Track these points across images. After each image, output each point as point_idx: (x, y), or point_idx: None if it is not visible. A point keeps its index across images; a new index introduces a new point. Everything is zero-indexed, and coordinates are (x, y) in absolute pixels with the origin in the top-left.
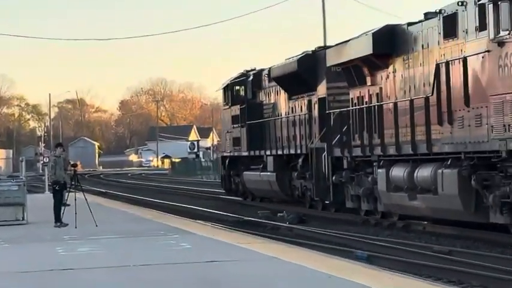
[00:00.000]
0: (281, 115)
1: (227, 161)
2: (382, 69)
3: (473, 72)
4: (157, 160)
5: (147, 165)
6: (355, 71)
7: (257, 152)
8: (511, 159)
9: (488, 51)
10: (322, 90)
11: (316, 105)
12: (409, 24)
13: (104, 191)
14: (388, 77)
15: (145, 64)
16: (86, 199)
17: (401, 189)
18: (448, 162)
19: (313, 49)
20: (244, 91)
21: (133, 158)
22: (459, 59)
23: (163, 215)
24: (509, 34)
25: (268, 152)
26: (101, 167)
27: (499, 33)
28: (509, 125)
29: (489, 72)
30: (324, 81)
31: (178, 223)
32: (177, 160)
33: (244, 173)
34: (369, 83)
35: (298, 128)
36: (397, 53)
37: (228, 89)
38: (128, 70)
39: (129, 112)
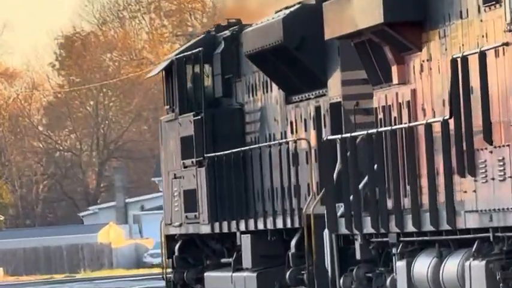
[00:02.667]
0: (271, 138)
1: (177, 247)
2: (414, 51)
3: (491, 78)
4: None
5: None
6: (374, 53)
7: (226, 226)
8: None
9: (506, 43)
10: (335, 86)
11: (328, 119)
12: None
13: None
14: (422, 68)
15: None
16: None
17: None
18: (473, 248)
19: None
20: (204, 78)
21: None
22: (482, 51)
23: None
24: None
25: (243, 227)
26: (0, 271)
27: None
28: None
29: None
30: (339, 68)
31: None
32: None
33: (206, 274)
34: (395, 80)
35: (295, 170)
36: (431, 23)
37: (172, 72)
38: None
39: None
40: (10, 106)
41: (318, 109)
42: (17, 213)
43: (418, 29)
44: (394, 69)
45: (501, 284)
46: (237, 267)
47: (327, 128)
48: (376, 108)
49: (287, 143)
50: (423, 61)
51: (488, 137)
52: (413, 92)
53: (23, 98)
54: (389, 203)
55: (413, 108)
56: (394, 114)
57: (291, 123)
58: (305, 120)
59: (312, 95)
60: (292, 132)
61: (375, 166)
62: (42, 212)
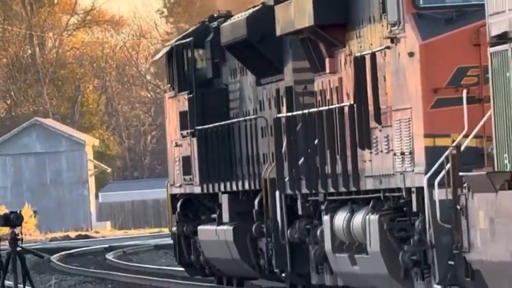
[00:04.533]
0: (246, 114)
1: (179, 205)
2: (340, 48)
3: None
4: None
5: None
6: (313, 47)
7: (211, 187)
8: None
9: (388, 47)
10: (288, 73)
11: (284, 99)
12: None
13: None
14: (346, 61)
15: None
16: None
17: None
18: (370, 205)
19: None
20: (196, 62)
21: None
22: (373, 52)
23: None
24: (398, 28)
25: (223, 188)
26: (108, 225)
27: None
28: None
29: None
30: (291, 58)
31: None
32: None
33: (199, 228)
34: (327, 70)
35: (262, 141)
36: (352, 25)
37: (172, 56)
38: None
39: None
40: (117, 55)
41: (277, 91)
42: (125, 165)
43: (342, 30)
44: (327, 61)
45: (388, 232)
46: (220, 221)
47: (284, 107)
48: (315, 91)
49: (250, 119)
50: (346, 55)
51: (377, 119)
52: (340, 80)
53: (130, 46)
54: (319, 170)
55: (340, 92)
56: (328, 97)
57: (260, 102)
58: (269, 100)
59: (274, 79)
60: (261, 110)
61: (310, 140)
62: (150, 164)
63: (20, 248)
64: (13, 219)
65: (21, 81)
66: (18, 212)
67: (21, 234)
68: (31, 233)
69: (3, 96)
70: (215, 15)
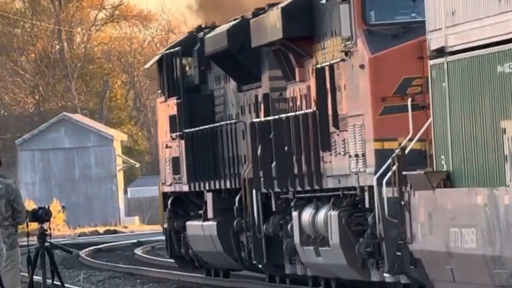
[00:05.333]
0: (229, 118)
1: (169, 202)
2: (308, 58)
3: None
4: None
5: None
6: (284, 58)
7: (197, 186)
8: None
9: (343, 60)
10: (265, 81)
11: (262, 105)
12: None
13: None
14: (313, 71)
15: None
16: None
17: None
18: (331, 202)
19: (254, 11)
20: (185, 70)
21: None
22: (331, 64)
23: None
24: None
25: (207, 186)
26: (136, 220)
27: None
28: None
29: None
30: (267, 67)
31: None
32: None
33: (187, 223)
34: (297, 78)
35: (241, 143)
36: (318, 38)
37: (162, 64)
38: None
39: None
40: (145, 50)
41: (256, 97)
42: (153, 160)
43: (309, 42)
44: (296, 70)
45: (346, 227)
46: (205, 217)
47: (262, 112)
48: (287, 98)
49: (232, 123)
50: (313, 65)
51: (336, 124)
52: (308, 88)
53: (158, 41)
54: (288, 170)
55: (308, 99)
56: (298, 103)
57: (242, 107)
58: (249, 105)
59: (254, 86)
60: (242, 114)
61: (281, 143)
62: None
63: (49, 244)
64: (41, 215)
65: (50, 76)
66: (46, 207)
67: (50, 229)
68: (60, 228)
69: (32, 91)
70: (203, 25)
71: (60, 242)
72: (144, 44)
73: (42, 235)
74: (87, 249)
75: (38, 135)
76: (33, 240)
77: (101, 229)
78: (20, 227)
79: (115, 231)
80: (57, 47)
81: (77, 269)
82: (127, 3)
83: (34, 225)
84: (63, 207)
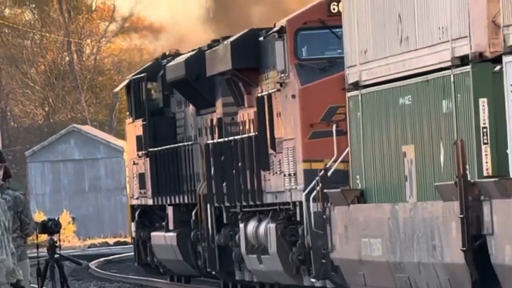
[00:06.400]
0: (188, 139)
1: (137, 214)
2: (255, 87)
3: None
4: None
5: None
6: (235, 86)
7: (160, 200)
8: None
9: (279, 90)
10: (219, 106)
11: (216, 128)
12: (267, 31)
13: None
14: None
15: None
16: None
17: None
18: (269, 216)
19: (210, 42)
20: (150, 94)
21: None
22: (269, 93)
23: None
24: (285, 74)
25: (169, 200)
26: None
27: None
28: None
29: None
30: (220, 94)
31: None
32: None
33: (152, 234)
34: (246, 104)
35: (198, 163)
36: (263, 69)
37: (130, 89)
38: None
39: None
40: None
41: (211, 121)
42: None
43: (256, 73)
44: (245, 97)
45: (281, 238)
46: (167, 228)
47: (216, 134)
48: (238, 122)
49: (189, 144)
50: (259, 93)
51: (273, 147)
52: (255, 113)
53: (168, 52)
54: (236, 187)
55: (255, 123)
56: (247, 127)
57: (199, 129)
58: (206, 128)
59: (210, 110)
60: (199, 136)
61: (230, 163)
62: None
63: (58, 255)
64: (51, 226)
65: (59, 88)
66: (56, 219)
67: (60, 241)
68: (69, 240)
69: (41, 103)
70: (167, 53)
71: (70, 254)
72: (154, 55)
73: (52, 247)
74: (97, 261)
75: (47, 146)
76: (43, 251)
77: (111, 240)
78: (29, 238)
79: (125, 243)
80: (67, 58)
81: (86, 281)
82: (137, 14)
83: (44, 237)
84: (73, 218)
